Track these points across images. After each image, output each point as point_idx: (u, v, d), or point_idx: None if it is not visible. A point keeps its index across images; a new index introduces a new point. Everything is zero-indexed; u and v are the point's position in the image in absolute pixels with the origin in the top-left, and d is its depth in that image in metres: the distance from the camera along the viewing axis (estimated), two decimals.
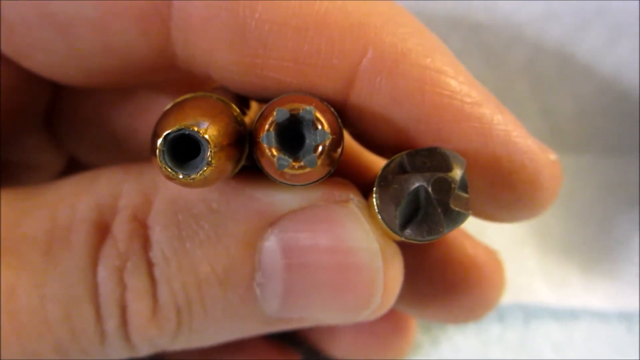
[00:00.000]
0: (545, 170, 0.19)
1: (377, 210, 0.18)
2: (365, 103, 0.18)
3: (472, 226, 0.22)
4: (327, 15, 0.17)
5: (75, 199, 0.19)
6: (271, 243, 0.18)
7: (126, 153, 0.26)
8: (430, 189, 0.17)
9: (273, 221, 0.18)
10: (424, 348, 0.31)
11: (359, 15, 0.18)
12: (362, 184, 0.19)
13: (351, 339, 0.28)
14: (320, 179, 0.17)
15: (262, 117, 0.16)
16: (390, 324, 0.28)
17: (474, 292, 0.24)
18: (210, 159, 0.15)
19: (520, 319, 0.31)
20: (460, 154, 0.18)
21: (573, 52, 0.33)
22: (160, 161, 0.15)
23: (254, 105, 0.20)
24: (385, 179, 0.18)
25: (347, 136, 0.20)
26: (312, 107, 0.16)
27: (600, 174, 0.36)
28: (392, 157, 0.18)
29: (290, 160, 0.16)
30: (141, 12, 0.18)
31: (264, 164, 0.16)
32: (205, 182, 0.16)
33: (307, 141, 0.16)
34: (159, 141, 0.15)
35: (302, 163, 0.16)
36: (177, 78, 0.24)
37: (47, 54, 0.19)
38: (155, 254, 0.18)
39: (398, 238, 0.18)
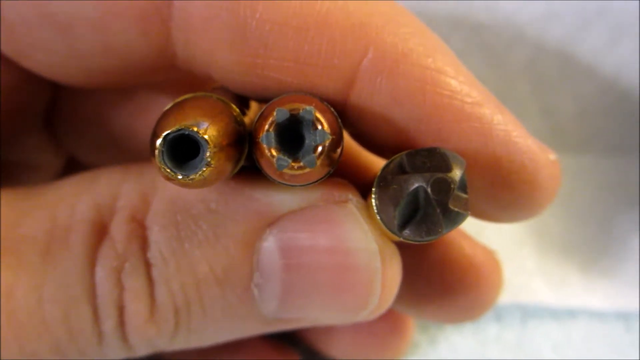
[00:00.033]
0: (545, 171, 0.19)
1: (376, 211, 0.18)
2: (366, 103, 0.18)
3: (471, 226, 0.22)
4: (328, 15, 0.17)
5: (74, 199, 0.19)
6: (270, 243, 0.18)
7: (126, 153, 0.26)
8: (429, 190, 0.17)
9: (272, 221, 0.18)
10: (422, 348, 0.31)
11: (360, 15, 0.18)
12: (362, 184, 0.19)
13: (349, 339, 0.28)
14: (319, 180, 0.17)
15: (262, 117, 0.16)
16: (388, 324, 0.28)
17: (471, 292, 0.24)
18: (209, 160, 0.15)
19: (517, 319, 0.31)
20: (460, 154, 0.18)
21: (574, 52, 0.33)
22: (159, 161, 0.15)
23: (253, 105, 0.20)
24: (385, 180, 0.17)
25: (346, 136, 0.20)
26: (312, 107, 0.16)
27: (600, 174, 0.36)
28: (392, 158, 0.18)
29: (290, 161, 0.16)
30: (141, 12, 0.18)
31: (264, 164, 0.16)
32: (204, 183, 0.16)
33: (307, 141, 0.16)
34: (158, 141, 0.15)
35: (301, 163, 0.16)
36: (177, 78, 0.24)
37: (47, 54, 0.19)
38: (153, 255, 0.18)
39: (397, 238, 0.18)
